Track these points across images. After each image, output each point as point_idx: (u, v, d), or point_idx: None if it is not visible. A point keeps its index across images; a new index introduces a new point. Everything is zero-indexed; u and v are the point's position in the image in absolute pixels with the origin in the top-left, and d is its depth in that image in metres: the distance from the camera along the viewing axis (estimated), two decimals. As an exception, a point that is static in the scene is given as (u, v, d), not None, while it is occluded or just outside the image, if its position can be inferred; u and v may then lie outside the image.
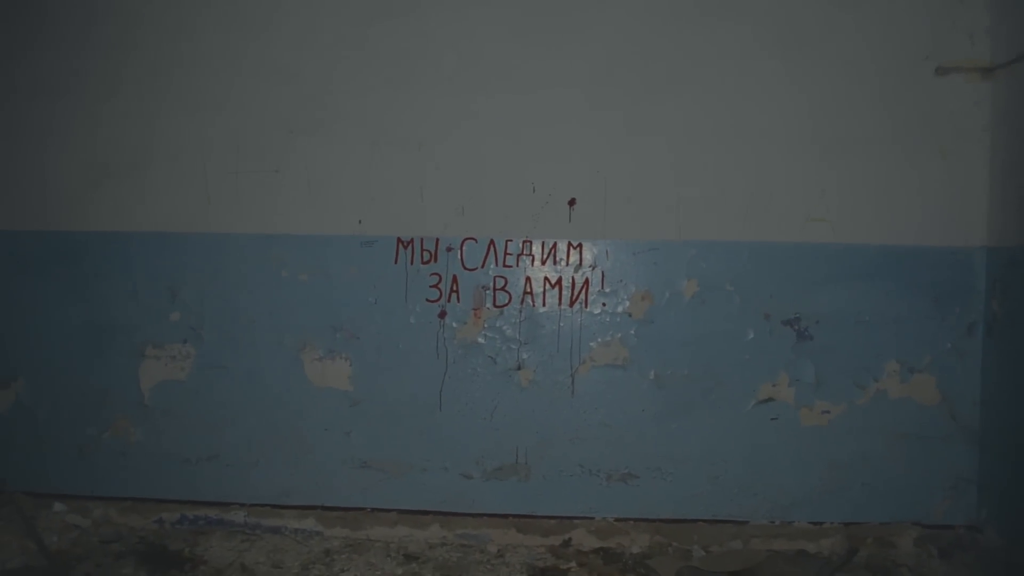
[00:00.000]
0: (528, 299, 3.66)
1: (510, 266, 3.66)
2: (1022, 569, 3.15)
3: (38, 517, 3.70)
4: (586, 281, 3.65)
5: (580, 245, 3.65)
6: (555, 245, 3.65)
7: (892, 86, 3.53)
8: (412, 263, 3.67)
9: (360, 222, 3.67)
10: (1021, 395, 3.26)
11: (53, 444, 3.81)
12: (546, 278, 3.66)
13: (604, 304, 3.65)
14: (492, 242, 3.66)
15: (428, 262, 3.67)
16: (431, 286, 3.67)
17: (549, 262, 3.66)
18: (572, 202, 3.64)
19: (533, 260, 3.66)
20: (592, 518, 3.67)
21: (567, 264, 3.66)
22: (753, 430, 3.63)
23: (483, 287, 3.66)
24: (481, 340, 3.68)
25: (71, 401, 3.80)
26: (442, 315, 3.67)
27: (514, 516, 3.68)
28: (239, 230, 3.70)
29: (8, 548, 3.47)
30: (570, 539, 3.63)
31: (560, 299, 3.66)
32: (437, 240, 3.66)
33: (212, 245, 3.71)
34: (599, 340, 3.66)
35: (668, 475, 3.66)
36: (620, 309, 3.65)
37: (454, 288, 3.66)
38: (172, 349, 3.74)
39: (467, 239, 3.66)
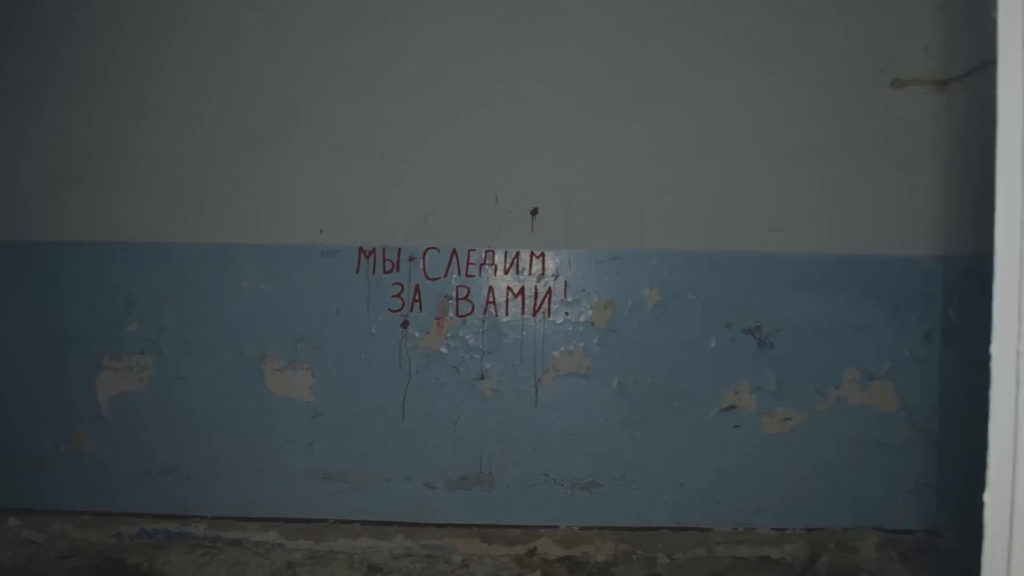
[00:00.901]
0: (491, 309, 3.66)
1: (473, 276, 3.66)
2: (980, 573, 3.19)
3: (-8, 533, 3.63)
4: (549, 290, 3.65)
5: (543, 255, 3.65)
6: (518, 255, 3.65)
7: (850, 98, 3.58)
8: (374, 272, 3.65)
9: (321, 231, 3.65)
10: (976, 401, 3.29)
11: (8, 458, 3.74)
12: (509, 288, 3.66)
13: (567, 313, 3.65)
14: (455, 252, 3.65)
15: (390, 271, 3.65)
16: (393, 296, 3.65)
17: (512, 271, 3.66)
18: (535, 212, 3.64)
19: (496, 270, 3.66)
20: (557, 527, 3.67)
21: (530, 274, 3.66)
22: (716, 437, 3.65)
23: (446, 297, 3.65)
24: (444, 350, 3.67)
25: (26, 414, 3.73)
26: (405, 325, 3.66)
27: (478, 526, 3.67)
28: (198, 239, 3.66)
29: (-40, 565, 3.40)
30: (535, 548, 3.63)
31: (523, 309, 3.66)
32: (399, 250, 3.65)
33: (171, 254, 3.66)
34: (562, 349, 3.66)
35: (632, 483, 3.67)
36: (583, 318, 3.65)
37: (416, 298, 3.65)
38: (130, 360, 3.69)
39: (429, 248, 3.65)
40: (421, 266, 3.64)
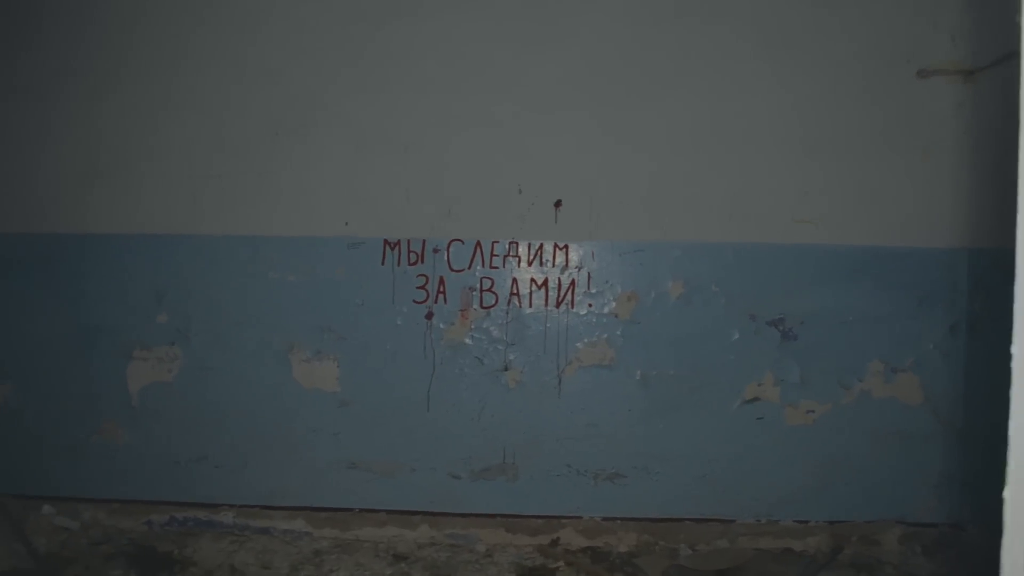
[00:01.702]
0: (515, 300, 3.68)
1: (497, 267, 3.68)
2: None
3: (27, 520, 3.70)
4: (572, 282, 3.67)
5: (566, 246, 3.67)
6: (541, 246, 3.67)
7: (875, 88, 3.56)
8: (399, 264, 3.69)
9: (347, 224, 3.68)
10: (1001, 394, 3.28)
11: (41, 447, 3.82)
12: (532, 279, 3.68)
13: (590, 305, 3.67)
14: (479, 243, 3.67)
15: (415, 263, 3.68)
16: (418, 287, 3.68)
17: (535, 263, 3.68)
18: (558, 204, 3.65)
19: (519, 261, 3.68)
20: (580, 517, 3.69)
21: (553, 265, 3.68)
22: (739, 429, 3.66)
23: (470, 288, 3.68)
24: (468, 341, 3.70)
25: (59, 404, 3.80)
26: (429, 316, 3.69)
27: (502, 516, 3.70)
28: (226, 232, 3.71)
29: (-4, 551, 3.48)
30: (558, 538, 3.65)
31: (547, 300, 3.68)
32: (424, 242, 3.67)
33: (199, 247, 3.71)
34: (585, 341, 3.68)
35: (655, 474, 3.69)
36: (606, 310, 3.67)
37: (441, 289, 3.68)
38: (160, 351, 3.75)
39: (454, 240, 3.67)
40: (445, 258, 3.67)
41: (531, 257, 3.68)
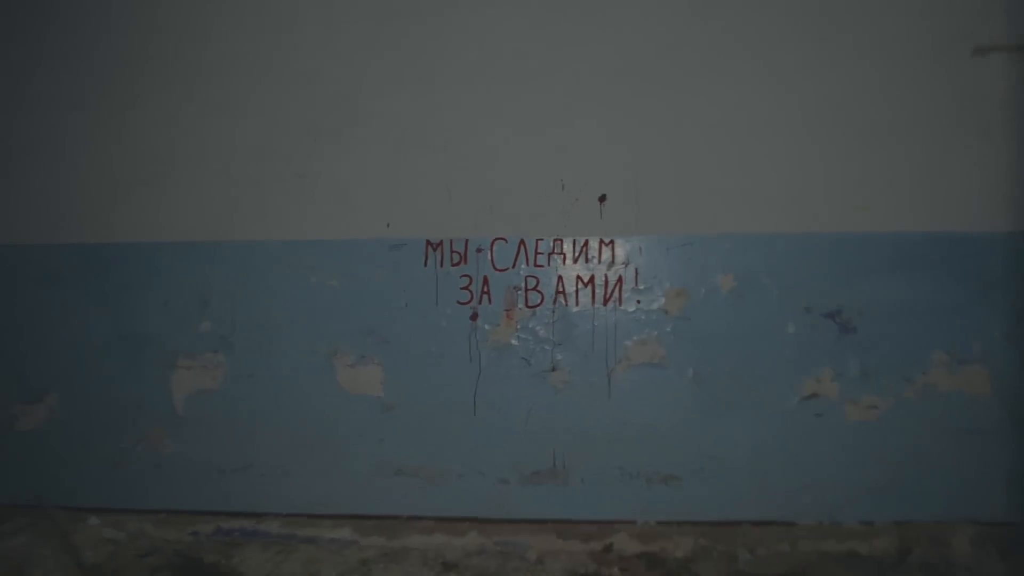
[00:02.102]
0: (560, 299, 3.59)
1: (541, 265, 3.59)
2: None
3: (74, 531, 3.67)
4: (619, 279, 3.57)
5: (612, 242, 3.57)
6: (586, 243, 3.58)
7: (930, 68, 3.42)
8: (442, 265, 3.62)
9: (388, 225, 3.63)
10: (1080, 383, 3.11)
11: (87, 457, 3.80)
12: (578, 277, 3.59)
13: (639, 302, 3.56)
14: (522, 242, 3.59)
15: (458, 264, 3.61)
16: (462, 288, 3.61)
17: (581, 260, 3.59)
18: (603, 198, 3.56)
19: (564, 259, 3.59)
20: (634, 522, 3.57)
21: (599, 262, 3.58)
22: (798, 427, 3.51)
23: (514, 288, 3.60)
24: (514, 342, 3.61)
25: (104, 414, 3.78)
26: (474, 317, 3.61)
27: (553, 522, 3.59)
28: (266, 237, 3.67)
29: (45, 563, 3.44)
30: (611, 544, 3.53)
31: (593, 298, 3.58)
32: (466, 241, 3.60)
33: (240, 253, 3.68)
34: (635, 339, 3.57)
35: (711, 476, 3.55)
36: (655, 306, 3.56)
37: (485, 289, 3.60)
38: (203, 359, 3.71)
39: (497, 239, 3.60)
40: (489, 257, 3.60)
41: (576, 254, 3.59)
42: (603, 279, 3.57)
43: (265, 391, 3.70)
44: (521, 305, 3.60)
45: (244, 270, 3.68)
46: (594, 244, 3.58)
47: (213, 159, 3.70)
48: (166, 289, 3.72)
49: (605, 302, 3.58)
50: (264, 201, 3.67)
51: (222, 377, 3.71)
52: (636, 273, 3.56)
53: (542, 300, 3.60)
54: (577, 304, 3.59)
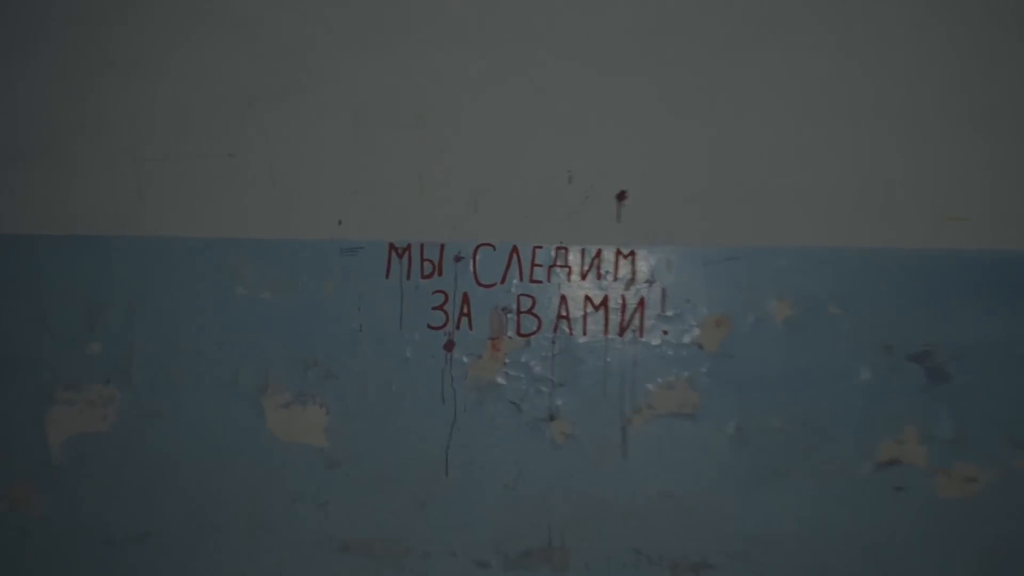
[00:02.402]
0: (563, 325, 2.74)
1: (539, 281, 2.74)
2: None
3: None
4: (641, 301, 2.72)
5: (633, 253, 2.73)
6: (599, 253, 2.73)
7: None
8: (409, 277, 2.76)
9: (340, 223, 2.78)
10: None
11: (-63, 517, 2.90)
12: (587, 297, 2.74)
13: (665, 332, 2.72)
14: (515, 249, 2.74)
15: (430, 276, 2.76)
16: (434, 308, 2.76)
17: (591, 276, 2.74)
18: (622, 196, 2.73)
19: (570, 273, 2.74)
20: (651, 622, 2.71)
21: (615, 279, 2.74)
22: (871, 503, 2.67)
23: (503, 309, 2.75)
24: (501, 380, 2.75)
25: (-40, 460, 2.89)
26: (449, 346, 2.75)
27: (545, 618, 2.73)
28: (180, 232, 2.81)
29: None
30: (622, 651, 2.67)
31: (606, 326, 2.74)
32: (442, 247, 2.75)
33: (145, 253, 2.82)
34: (659, 381, 2.72)
35: (756, 564, 2.70)
36: (687, 339, 2.72)
37: (465, 310, 2.75)
38: (91, 391, 2.83)
39: (482, 245, 2.75)
40: (471, 268, 2.75)
41: (585, 268, 2.74)
42: (619, 301, 2.73)
43: (171, 436, 2.82)
44: (511, 333, 2.75)
45: (148, 276, 2.82)
46: (609, 255, 2.74)
47: (115, 129, 2.84)
48: (43, 298, 2.84)
49: (622, 332, 2.73)
50: (179, 185, 2.82)
51: (114, 417, 2.83)
52: (663, 295, 2.72)
53: (539, 327, 2.75)
54: (585, 333, 2.74)
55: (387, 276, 2.77)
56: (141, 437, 2.83)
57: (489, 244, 2.75)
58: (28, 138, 2.86)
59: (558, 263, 2.75)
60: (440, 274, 2.76)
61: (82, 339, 2.83)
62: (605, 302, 2.74)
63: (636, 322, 2.73)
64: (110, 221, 2.83)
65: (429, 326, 2.77)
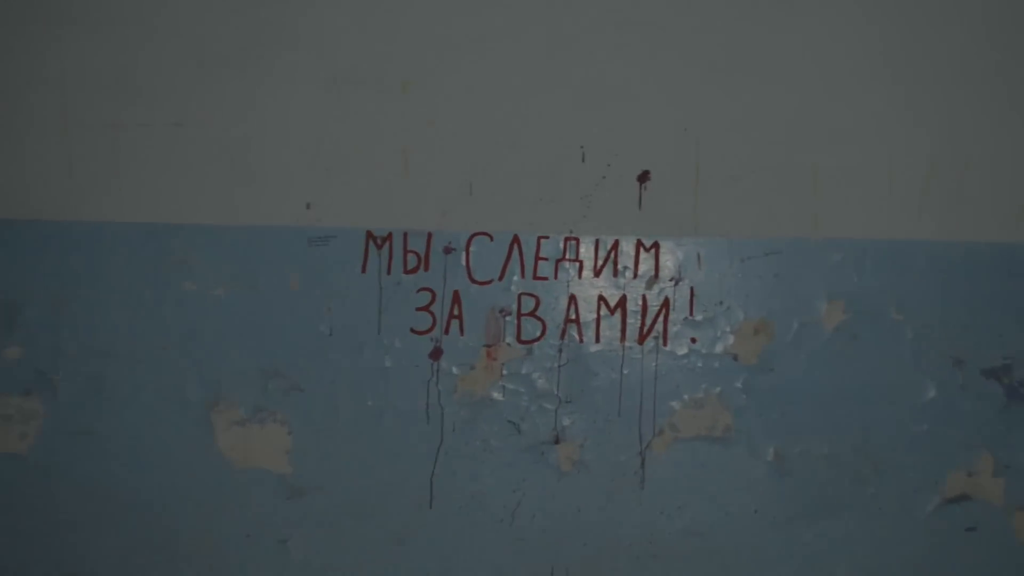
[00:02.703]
0: (572, 331, 2.30)
1: (544, 278, 2.31)
2: None
3: None
4: (665, 303, 2.29)
5: (656, 246, 2.29)
6: (616, 246, 2.30)
7: None
8: (390, 272, 2.32)
9: (309, 206, 2.34)
10: None
11: None
12: (601, 298, 2.30)
13: (694, 340, 2.28)
14: (516, 240, 2.31)
15: (415, 270, 2.32)
16: (419, 308, 2.32)
17: (607, 273, 2.31)
18: (645, 177, 2.29)
19: (581, 269, 2.31)
20: None
21: (635, 276, 2.30)
22: (937, 545, 2.26)
23: (501, 311, 2.31)
24: (497, 395, 2.31)
25: None
26: (436, 354, 2.31)
27: None
28: (118, 218, 2.36)
29: None
30: None
31: (623, 332, 2.30)
32: (429, 236, 2.31)
33: (76, 240, 2.37)
34: (686, 398, 2.29)
35: (798, 618, 2.27)
36: (720, 348, 2.28)
37: (455, 312, 2.31)
38: (7, 404, 2.38)
39: (477, 235, 2.31)
40: (463, 262, 2.31)
41: (599, 263, 2.31)
42: (639, 303, 2.29)
43: (103, 459, 2.37)
44: (511, 339, 2.31)
45: (80, 267, 2.37)
46: (628, 248, 2.30)
47: (42, 90, 2.38)
48: (-49, 293, 2.39)
49: (642, 339, 2.29)
50: (116, 161, 2.36)
51: (36, 434, 2.37)
52: (691, 295, 2.28)
53: (543, 332, 2.31)
54: (598, 340, 2.30)
55: (364, 270, 2.33)
56: (67, 460, 2.38)
57: (485, 233, 2.31)
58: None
59: (567, 257, 2.31)
60: (426, 268, 2.32)
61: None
62: (622, 304, 2.30)
63: (659, 328, 2.29)
64: (33, 202, 2.37)
65: (413, 330, 2.32)
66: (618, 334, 2.31)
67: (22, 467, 2.38)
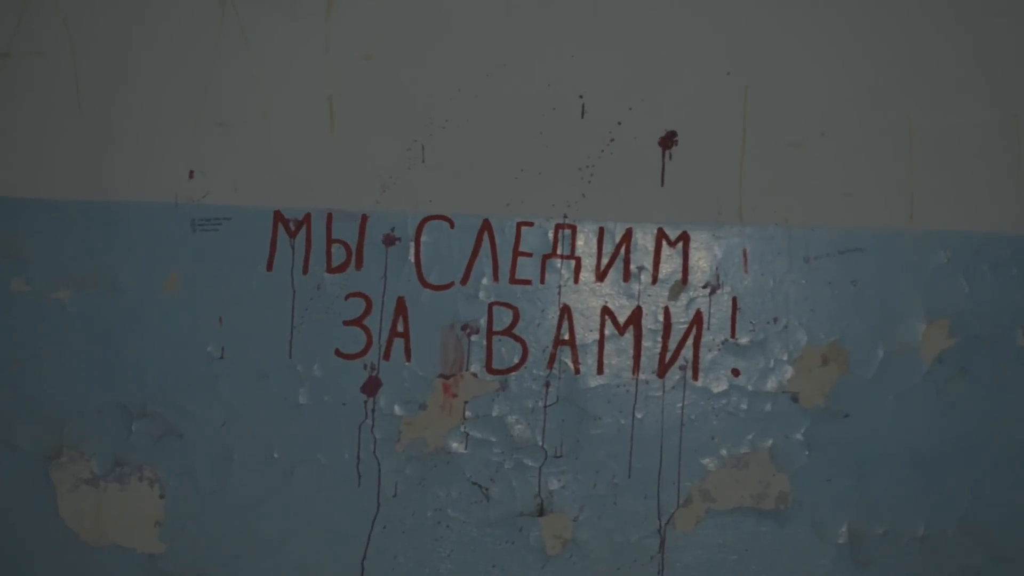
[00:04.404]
0: (565, 356, 1.63)
1: (527, 281, 1.64)
2: None
3: None
4: (696, 317, 1.61)
5: (684, 238, 1.62)
6: (628, 236, 1.63)
7: None
8: (306, 270, 1.65)
9: (193, 175, 1.65)
10: None
11: None
12: (607, 311, 1.63)
13: (736, 372, 1.61)
14: (487, 226, 1.63)
15: (342, 267, 1.64)
16: (348, 322, 1.63)
17: (614, 275, 1.63)
18: (670, 140, 1.62)
19: (578, 270, 1.63)
20: None
21: (655, 280, 1.63)
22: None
23: (464, 328, 1.63)
24: (457, 446, 1.63)
25: None
26: (371, 387, 1.63)
27: None
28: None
29: None
30: None
31: (637, 359, 1.63)
32: (364, 219, 1.64)
33: None
34: (723, 453, 1.61)
35: None
36: (772, 384, 1.61)
37: (399, 328, 1.63)
38: None
39: (431, 219, 1.64)
40: (411, 256, 1.63)
41: (604, 260, 1.64)
42: (660, 318, 1.62)
43: None
44: (477, 367, 1.62)
45: None
46: (645, 239, 1.63)
47: None
48: None
49: (663, 370, 1.62)
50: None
51: None
52: (734, 308, 1.61)
53: (523, 358, 1.63)
54: (601, 371, 1.63)
55: (269, 267, 1.65)
56: None
57: (443, 217, 1.63)
58: None
59: (558, 252, 1.64)
60: (359, 266, 1.64)
61: None
62: (636, 319, 1.63)
63: (687, 354, 1.62)
64: None
65: (339, 353, 1.64)
66: (629, 362, 1.63)
67: None
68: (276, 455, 1.65)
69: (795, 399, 1.61)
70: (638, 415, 1.63)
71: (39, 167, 1.67)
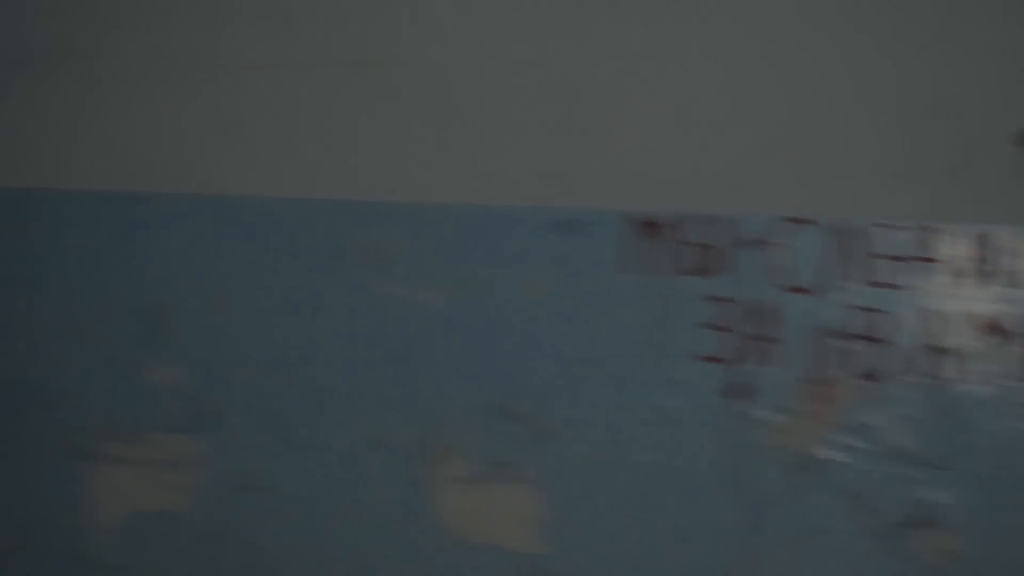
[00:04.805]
0: (941, 362, 1.56)
1: (894, 285, 1.57)
2: None
3: None
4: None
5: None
6: (993, 238, 1.53)
7: None
8: (665, 272, 1.64)
9: (550, 178, 1.68)
10: None
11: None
12: (979, 315, 1.54)
13: None
14: (849, 227, 1.58)
15: (702, 270, 1.63)
16: (709, 325, 1.62)
17: (983, 278, 1.55)
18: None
19: (947, 272, 1.55)
20: None
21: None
22: None
23: (832, 332, 1.58)
24: (830, 454, 1.59)
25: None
26: (737, 392, 1.61)
27: None
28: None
29: None
30: None
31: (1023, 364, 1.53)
32: (722, 221, 1.62)
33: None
34: None
35: None
36: None
37: (765, 333, 1.60)
38: (166, 446, 1.84)
39: (791, 220, 1.59)
40: (773, 259, 1.60)
41: (972, 264, 1.54)
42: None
43: (276, 517, 1.80)
44: (849, 372, 1.58)
45: (239, 251, 1.80)
46: (1013, 241, 1.53)
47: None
48: None
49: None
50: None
51: (198, 486, 1.83)
52: None
53: (896, 364, 1.57)
54: (980, 377, 1.55)
55: (621, 269, 1.66)
56: (233, 519, 1.81)
57: (808, 220, 1.59)
58: None
59: (919, 252, 1.56)
60: (719, 269, 1.63)
61: None
62: (1014, 323, 1.54)
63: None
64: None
65: (700, 356, 1.63)
66: (1012, 368, 1.54)
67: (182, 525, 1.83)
68: (639, 459, 1.65)
69: None
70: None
71: (404, 173, 1.73)
